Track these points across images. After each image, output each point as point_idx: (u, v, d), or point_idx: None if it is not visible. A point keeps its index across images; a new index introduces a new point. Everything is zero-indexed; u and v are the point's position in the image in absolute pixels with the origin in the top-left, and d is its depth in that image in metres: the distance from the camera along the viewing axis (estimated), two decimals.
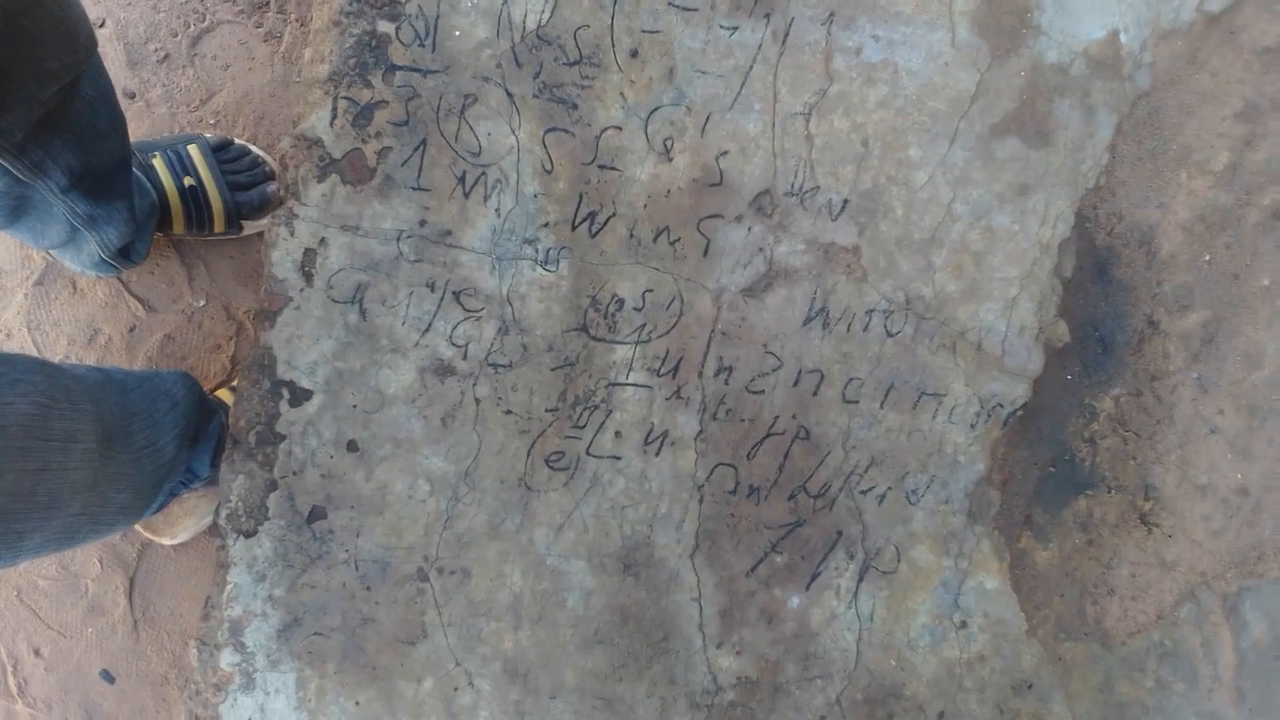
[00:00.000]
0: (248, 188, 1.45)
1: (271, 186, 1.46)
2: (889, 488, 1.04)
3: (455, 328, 0.99)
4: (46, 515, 0.89)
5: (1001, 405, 1.04)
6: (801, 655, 1.04)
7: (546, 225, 0.99)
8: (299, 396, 0.98)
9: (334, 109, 0.96)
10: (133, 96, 1.53)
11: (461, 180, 0.97)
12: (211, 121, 1.54)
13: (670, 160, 0.99)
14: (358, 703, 1.00)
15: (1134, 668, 1.08)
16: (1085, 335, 1.05)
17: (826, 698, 1.04)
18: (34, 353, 1.52)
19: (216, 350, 1.54)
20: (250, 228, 1.48)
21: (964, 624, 1.05)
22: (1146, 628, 1.07)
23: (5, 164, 0.97)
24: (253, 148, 1.49)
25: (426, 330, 0.99)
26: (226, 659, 0.99)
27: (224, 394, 1.43)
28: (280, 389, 0.98)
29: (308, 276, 0.97)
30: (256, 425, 0.98)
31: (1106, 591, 1.07)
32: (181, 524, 1.47)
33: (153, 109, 1.53)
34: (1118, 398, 1.06)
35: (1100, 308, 1.05)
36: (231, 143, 1.47)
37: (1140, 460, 1.07)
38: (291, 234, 0.96)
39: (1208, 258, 1.05)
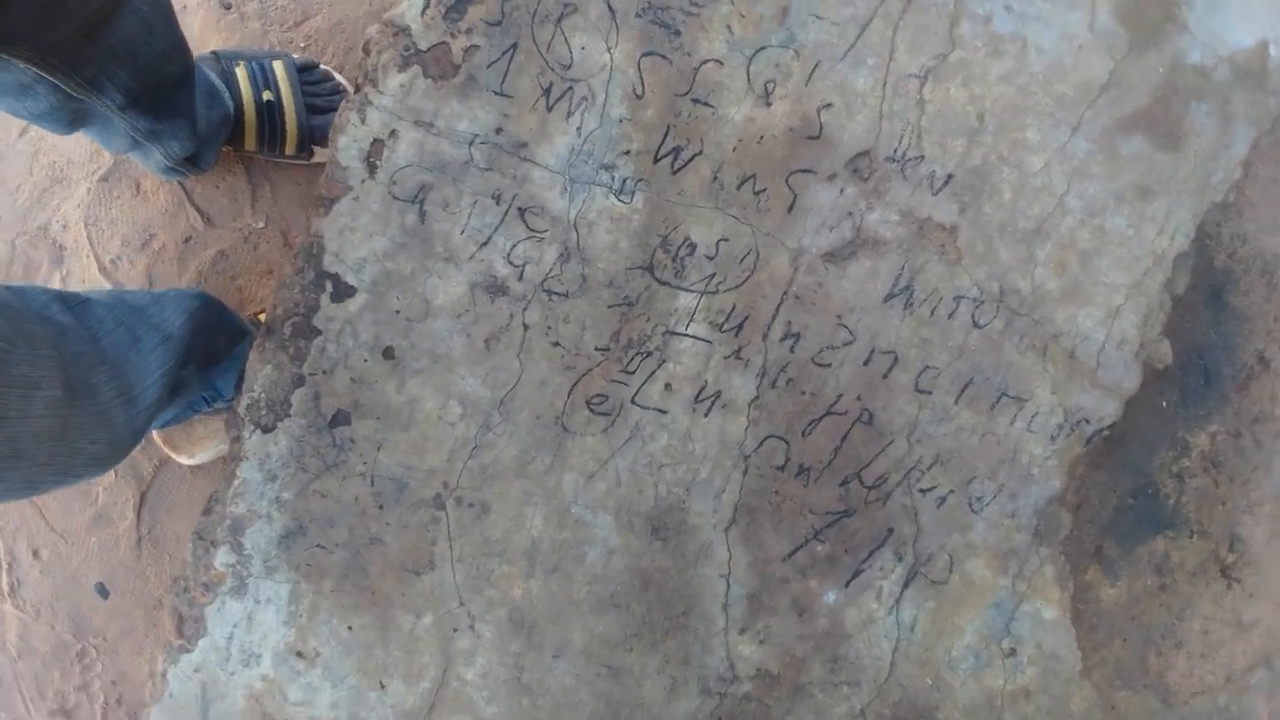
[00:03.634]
0: (324, 112, 1.42)
1: None
2: (951, 490, 0.95)
3: (515, 246, 0.93)
4: (8, 465, 0.81)
5: (1087, 421, 0.95)
6: (830, 656, 0.95)
7: (628, 153, 0.93)
8: (342, 292, 0.92)
9: None
10: (229, 8, 1.51)
11: (547, 92, 0.92)
12: (302, 45, 1.51)
13: (769, 105, 0.93)
14: (350, 627, 0.93)
15: None
16: (1189, 362, 0.97)
17: (851, 707, 0.95)
18: (86, 247, 1.50)
19: (267, 275, 1.50)
20: (321, 155, 1.45)
21: (1013, 651, 0.96)
22: (1213, 689, 0.97)
23: (57, 82, 0.93)
24: (336, 75, 1.46)
25: (485, 244, 0.93)
26: (221, 558, 0.93)
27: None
28: (324, 281, 0.92)
29: (371, 168, 0.92)
30: (294, 316, 0.92)
31: (1174, 644, 0.97)
32: (202, 445, 1.42)
33: (246, 23, 1.51)
34: (1214, 435, 0.97)
35: (1209, 335, 0.97)
36: (316, 66, 1.45)
37: (1230, 507, 0.97)
38: (363, 121, 0.91)
39: None
